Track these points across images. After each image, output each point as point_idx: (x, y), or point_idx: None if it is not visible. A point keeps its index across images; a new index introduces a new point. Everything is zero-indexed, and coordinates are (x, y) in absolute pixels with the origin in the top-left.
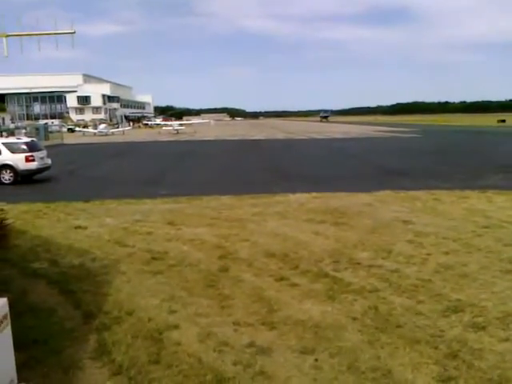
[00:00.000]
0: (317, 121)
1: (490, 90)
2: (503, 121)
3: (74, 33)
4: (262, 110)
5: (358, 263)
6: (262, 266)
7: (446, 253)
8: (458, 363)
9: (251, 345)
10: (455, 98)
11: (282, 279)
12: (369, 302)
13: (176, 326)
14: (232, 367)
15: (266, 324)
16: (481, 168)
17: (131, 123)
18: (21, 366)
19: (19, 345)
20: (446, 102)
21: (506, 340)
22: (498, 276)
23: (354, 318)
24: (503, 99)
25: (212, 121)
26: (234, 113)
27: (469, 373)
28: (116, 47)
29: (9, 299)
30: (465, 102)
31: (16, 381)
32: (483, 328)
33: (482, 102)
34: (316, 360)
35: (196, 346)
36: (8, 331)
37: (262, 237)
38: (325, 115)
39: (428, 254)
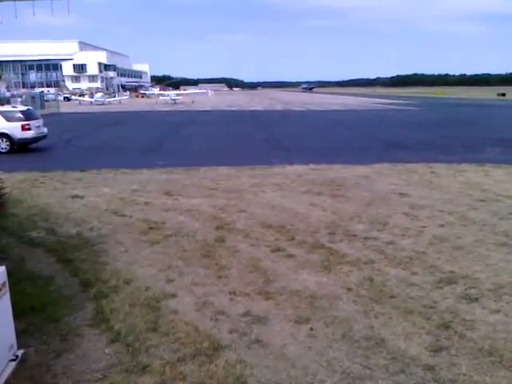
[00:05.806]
0: (316, 92)
1: (490, 63)
2: (503, 94)
3: None
4: (260, 81)
5: (354, 235)
6: (259, 236)
7: (442, 225)
8: (449, 334)
9: (247, 314)
10: (455, 70)
11: (278, 250)
12: (364, 273)
13: (173, 295)
14: (228, 335)
15: (261, 294)
16: (479, 142)
17: (128, 92)
18: (20, 333)
19: (18, 312)
20: (446, 75)
21: (498, 311)
22: (492, 249)
23: (349, 289)
24: (503, 73)
25: (210, 91)
26: (232, 83)
27: (460, 343)
28: (112, 14)
29: (7, 267)
30: (465, 74)
31: (16, 347)
32: (476, 299)
33: (482, 75)
34: (311, 329)
35: (193, 315)
36: (7, 298)
37: (259, 208)
38: (310, 87)
39: (423, 227)
